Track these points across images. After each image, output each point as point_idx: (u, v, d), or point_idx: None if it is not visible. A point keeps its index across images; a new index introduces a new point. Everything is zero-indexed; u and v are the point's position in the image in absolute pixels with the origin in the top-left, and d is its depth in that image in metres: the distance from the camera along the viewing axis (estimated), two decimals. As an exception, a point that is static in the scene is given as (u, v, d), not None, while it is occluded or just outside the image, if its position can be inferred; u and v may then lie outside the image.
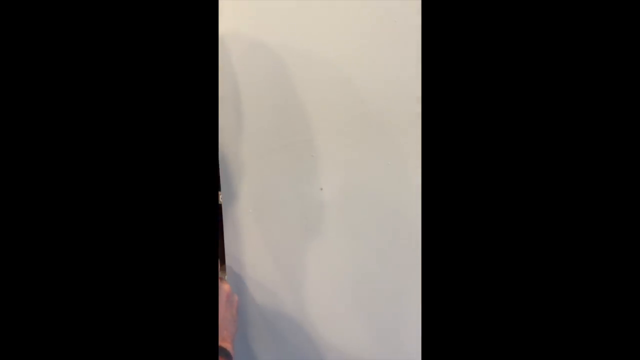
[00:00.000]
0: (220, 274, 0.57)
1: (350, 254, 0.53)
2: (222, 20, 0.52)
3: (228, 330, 0.53)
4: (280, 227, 0.57)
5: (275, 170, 0.54)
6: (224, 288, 0.55)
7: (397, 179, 0.47)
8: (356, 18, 0.44)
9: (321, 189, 0.52)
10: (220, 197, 0.61)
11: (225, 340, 0.52)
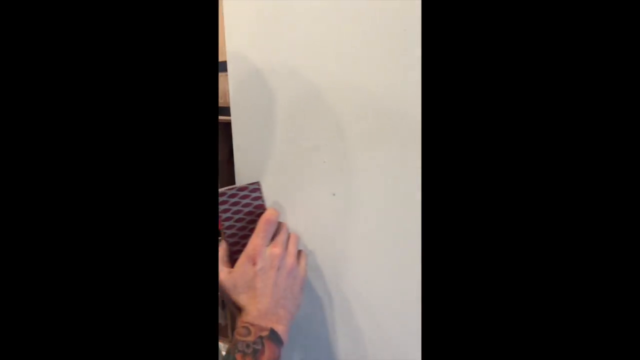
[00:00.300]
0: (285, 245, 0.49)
1: (359, 256, 0.55)
2: (231, 29, 0.54)
3: (286, 309, 0.45)
4: (294, 232, 0.58)
5: (289, 177, 0.56)
6: (288, 261, 0.47)
7: (406, 186, 0.48)
8: (365, 28, 0.46)
9: (334, 194, 0.54)
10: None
11: (279, 322, 0.44)
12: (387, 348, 0.55)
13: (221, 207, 0.48)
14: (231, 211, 0.48)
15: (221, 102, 0.60)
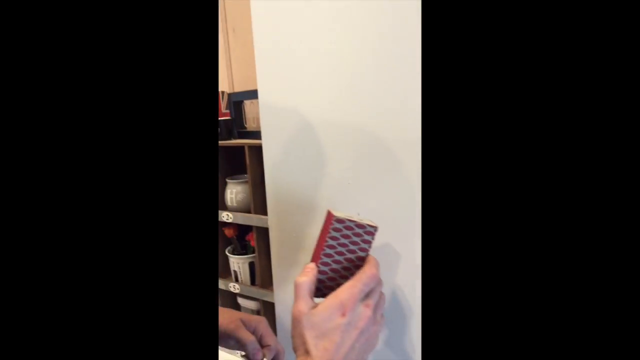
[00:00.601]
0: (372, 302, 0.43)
1: (384, 270, 0.55)
2: (261, 59, 0.57)
3: None
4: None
5: (317, 197, 0.58)
6: (373, 328, 0.41)
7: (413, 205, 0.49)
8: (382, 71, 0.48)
9: (358, 213, 0.55)
10: (268, 222, 0.65)
11: None
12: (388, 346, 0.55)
13: (332, 233, 0.43)
14: (338, 241, 0.43)
15: (254, 127, 0.63)
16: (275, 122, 0.59)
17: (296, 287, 0.42)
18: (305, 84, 0.54)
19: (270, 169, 0.62)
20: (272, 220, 0.64)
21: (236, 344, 0.56)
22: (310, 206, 0.59)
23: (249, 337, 0.54)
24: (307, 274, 0.43)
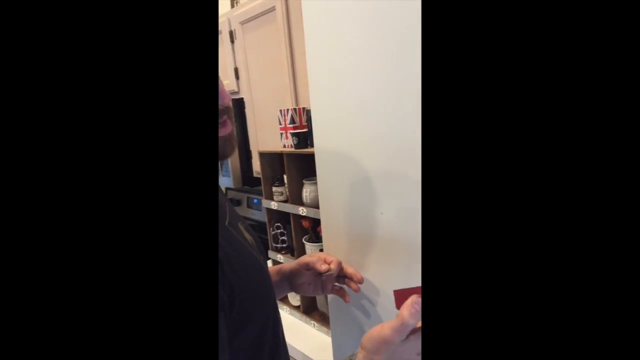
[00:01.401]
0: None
1: (399, 259, 0.67)
2: (314, 84, 0.73)
3: None
4: (355, 240, 0.74)
5: (352, 198, 0.72)
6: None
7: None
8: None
9: (382, 213, 0.69)
10: (320, 216, 0.81)
11: None
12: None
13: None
14: None
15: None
16: (326, 135, 0.74)
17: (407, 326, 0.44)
18: (348, 104, 0.66)
19: (321, 174, 0.78)
20: (322, 215, 0.80)
21: (307, 270, 0.70)
22: (350, 204, 0.73)
23: (314, 255, 0.70)
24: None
